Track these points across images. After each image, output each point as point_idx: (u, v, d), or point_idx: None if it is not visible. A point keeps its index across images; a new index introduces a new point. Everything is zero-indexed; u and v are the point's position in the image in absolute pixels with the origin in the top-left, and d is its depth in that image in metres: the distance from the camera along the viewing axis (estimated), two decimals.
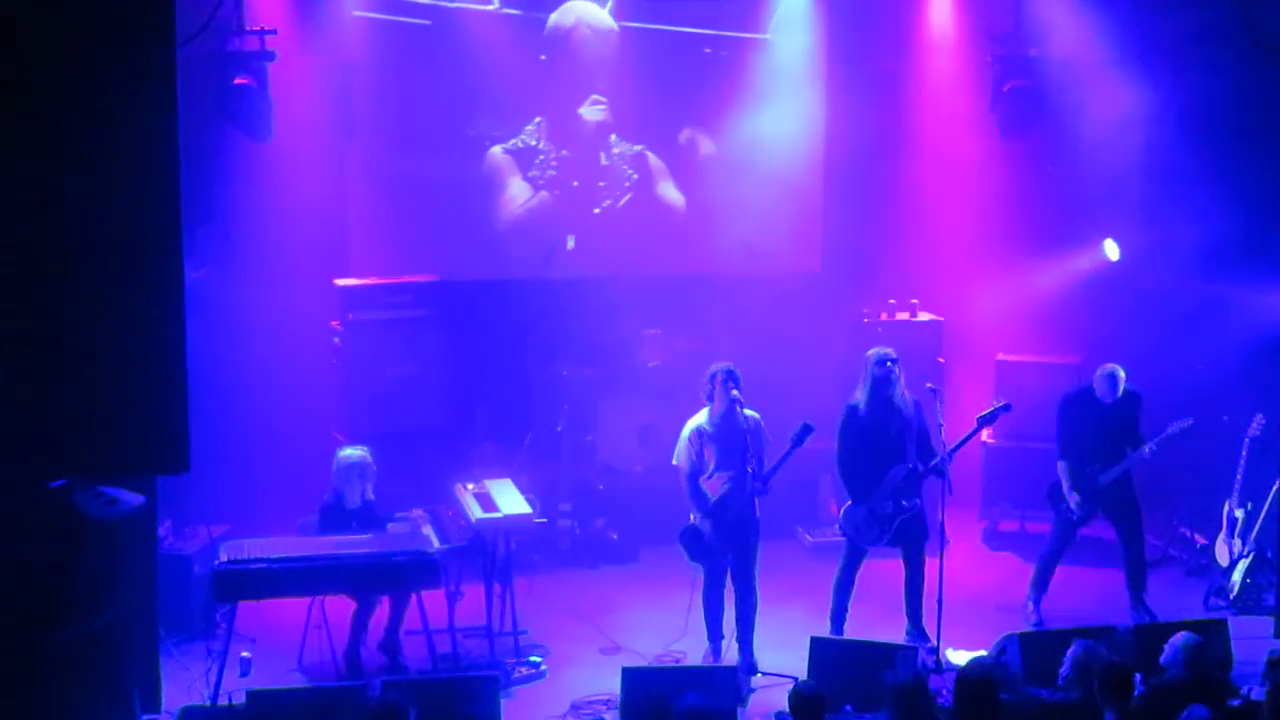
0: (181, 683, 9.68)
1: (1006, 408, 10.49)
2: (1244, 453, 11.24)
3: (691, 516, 10.05)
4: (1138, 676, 7.86)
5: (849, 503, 10.40)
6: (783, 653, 10.08)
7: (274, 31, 11.25)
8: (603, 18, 13.07)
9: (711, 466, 9.97)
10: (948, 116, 13.21)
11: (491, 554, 10.25)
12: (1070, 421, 10.96)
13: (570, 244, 13.20)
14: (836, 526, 10.67)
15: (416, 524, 10.31)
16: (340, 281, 12.40)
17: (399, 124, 12.90)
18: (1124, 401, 10.83)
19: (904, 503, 10.23)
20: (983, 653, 9.89)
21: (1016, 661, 9.54)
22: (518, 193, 13.18)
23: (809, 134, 13.50)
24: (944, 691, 8.94)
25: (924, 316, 12.91)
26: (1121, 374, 10.77)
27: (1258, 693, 8.04)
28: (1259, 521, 11.16)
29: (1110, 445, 10.85)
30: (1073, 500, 10.82)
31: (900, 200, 13.50)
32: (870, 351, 10.40)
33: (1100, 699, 7.59)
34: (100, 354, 6.79)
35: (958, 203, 13.27)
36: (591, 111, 13.23)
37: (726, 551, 9.98)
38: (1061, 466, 10.92)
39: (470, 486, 10.66)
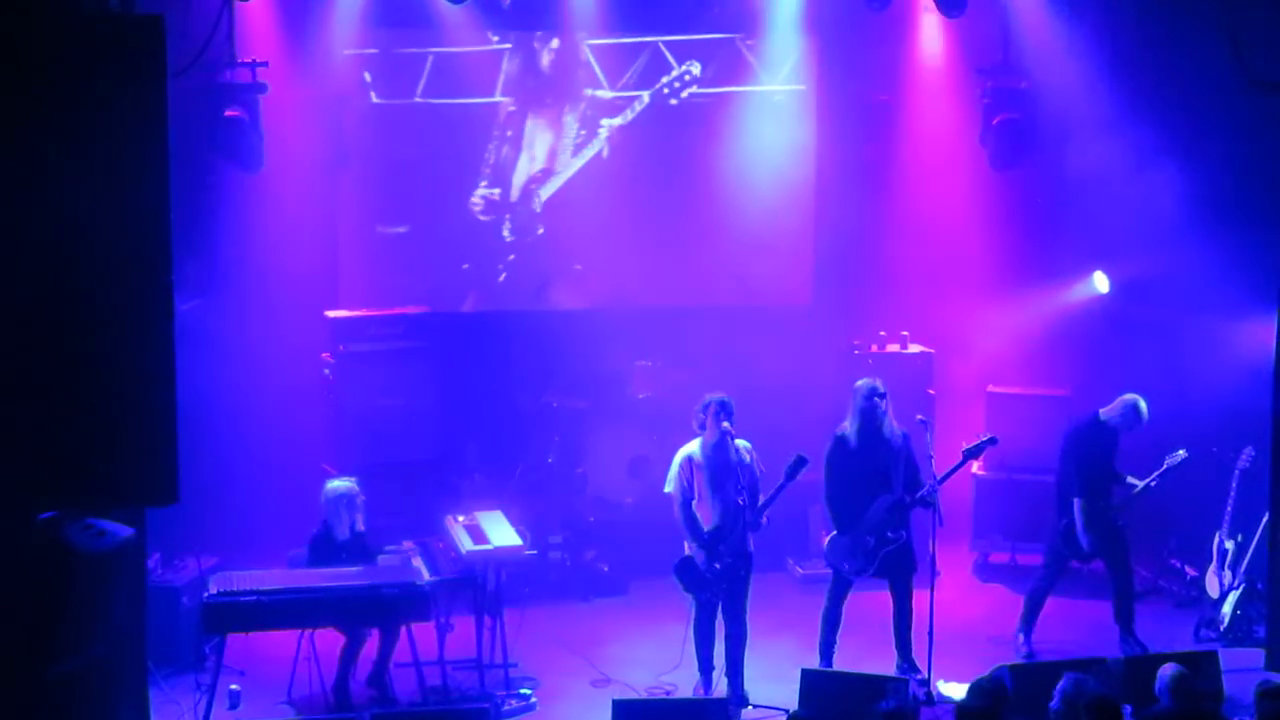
0: (170, 716, 9.67)
1: (992, 441, 10.47)
2: (1234, 484, 11.23)
3: (685, 547, 10.03)
4: (1127, 709, 7.85)
5: (834, 533, 10.39)
6: (773, 685, 10.05)
7: (265, 64, 11.31)
8: None
9: (704, 495, 9.96)
10: (938, 149, 13.25)
11: (482, 586, 10.22)
12: (1085, 455, 10.74)
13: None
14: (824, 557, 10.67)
15: (406, 556, 10.30)
16: (330, 313, 12.40)
17: (390, 156, 12.93)
18: (1114, 432, 10.84)
19: (889, 534, 10.21)
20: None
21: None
22: None
23: (800, 165, 13.53)
24: None
25: (914, 348, 12.89)
26: (1144, 404, 10.71)
27: None
28: (1249, 553, 11.14)
29: (1113, 477, 10.85)
30: (1086, 541, 10.67)
31: (891, 232, 13.51)
32: (859, 383, 10.43)
33: None
34: (90, 386, 6.79)
35: (948, 235, 13.30)
36: None
37: (719, 583, 9.96)
38: (1079, 505, 10.67)
39: (460, 518, 10.65)
